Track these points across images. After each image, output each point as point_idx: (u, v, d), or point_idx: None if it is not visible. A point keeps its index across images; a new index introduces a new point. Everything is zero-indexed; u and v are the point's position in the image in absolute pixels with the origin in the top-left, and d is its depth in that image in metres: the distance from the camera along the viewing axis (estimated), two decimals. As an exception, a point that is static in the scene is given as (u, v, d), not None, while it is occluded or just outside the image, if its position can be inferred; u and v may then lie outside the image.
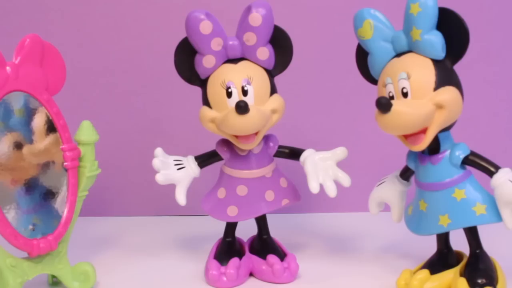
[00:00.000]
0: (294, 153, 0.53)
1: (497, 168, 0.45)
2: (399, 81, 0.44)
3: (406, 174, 0.50)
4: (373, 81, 0.48)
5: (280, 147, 0.53)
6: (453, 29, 0.44)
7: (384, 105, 0.42)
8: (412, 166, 0.49)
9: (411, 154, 0.48)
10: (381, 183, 0.52)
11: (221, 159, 0.53)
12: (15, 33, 0.63)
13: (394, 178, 0.51)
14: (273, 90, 0.51)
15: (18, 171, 0.48)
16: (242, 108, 0.47)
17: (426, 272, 0.46)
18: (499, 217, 0.44)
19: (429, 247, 0.50)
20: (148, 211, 0.72)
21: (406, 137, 0.45)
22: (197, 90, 0.52)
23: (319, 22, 0.69)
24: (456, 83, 0.45)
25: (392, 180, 0.51)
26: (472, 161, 0.45)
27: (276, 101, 0.50)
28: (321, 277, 0.52)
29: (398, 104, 0.43)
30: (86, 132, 0.52)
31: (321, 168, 0.50)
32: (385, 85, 0.45)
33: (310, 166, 0.50)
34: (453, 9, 0.44)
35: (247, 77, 0.49)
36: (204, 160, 0.53)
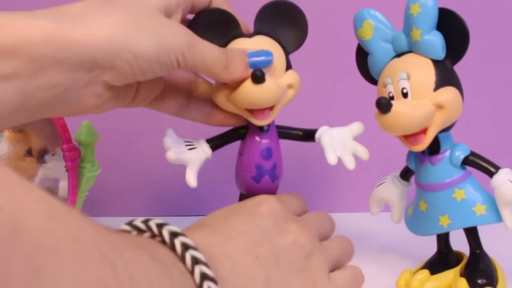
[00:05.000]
0: (308, 134, 0.52)
1: (497, 168, 0.45)
2: (399, 82, 0.44)
3: (406, 174, 0.50)
4: (373, 81, 0.48)
5: (293, 129, 0.53)
6: (453, 29, 0.44)
7: (384, 105, 0.42)
8: (412, 167, 0.49)
9: (411, 155, 0.48)
10: (381, 184, 0.52)
11: (233, 140, 0.52)
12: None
13: (394, 179, 0.51)
14: (289, 66, 0.50)
15: (18, 171, 0.48)
16: (258, 77, 0.46)
17: (426, 272, 0.46)
18: (499, 218, 0.44)
19: (429, 247, 0.50)
20: (149, 211, 0.72)
21: (406, 137, 0.45)
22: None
23: (319, 22, 0.69)
24: (456, 84, 0.45)
25: (392, 181, 0.51)
26: (472, 161, 0.45)
27: (292, 76, 0.50)
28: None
29: (398, 105, 0.43)
30: (86, 132, 0.52)
31: (339, 142, 0.50)
32: (385, 86, 0.45)
33: (327, 140, 0.50)
34: (453, 9, 0.44)
35: None
36: (217, 141, 0.52)
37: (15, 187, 0.24)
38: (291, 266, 0.41)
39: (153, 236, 0.33)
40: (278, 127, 0.53)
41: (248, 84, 0.47)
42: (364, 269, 0.53)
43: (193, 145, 0.51)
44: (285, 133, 0.53)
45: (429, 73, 0.44)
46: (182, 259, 0.32)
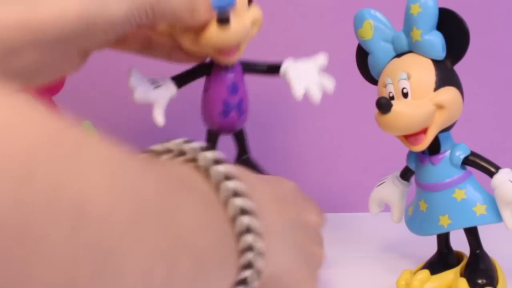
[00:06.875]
0: (273, 68, 0.52)
1: (497, 168, 0.45)
2: (399, 82, 0.44)
3: (406, 174, 0.50)
4: (373, 81, 0.48)
5: (257, 63, 0.53)
6: (453, 29, 0.44)
7: (384, 105, 0.43)
8: (412, 167, 0.49)
9: (412, 155, 0.48)
10: (381, 184, 0.52)
11: (198, 77, 0.52)
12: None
13: (395, 179, 0.51)
14: (250, 1, 0.50)
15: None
16: (224, 20, 0.46)
17: (426, 272, 0.46)
18: (499, 218, 0.45)
19: (429, 247, 0.50)
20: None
21: (406, 137, 0.45)
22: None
23: (319, 22, 0.69)
24: (456, 84, 0.45)
25: (392, 181, 0.51)
26: (472, 161, 0.45)
27: (255, 11, 0.50)
28: (320, 277, 0.52)
29: (398, 105, 0.43)
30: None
31: (304, 74, 0.51)
32: (385, 86, 0.45)
33: (293, 72, 0.51)
34: (453, 9, 0.44)
35: None
36: (182, 79, 0.52)
37: (78, 153, 0.23)
38: (305, 241, 0.41)
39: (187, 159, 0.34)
40: (242, 62, 0.53)
41: (214, 28, 0.47)
42: (364, 269, 0.53)
43: (158, 83, 0.51)
44: (250, 67, 0.53)
45: (429, 73, 0.44)
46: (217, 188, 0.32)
